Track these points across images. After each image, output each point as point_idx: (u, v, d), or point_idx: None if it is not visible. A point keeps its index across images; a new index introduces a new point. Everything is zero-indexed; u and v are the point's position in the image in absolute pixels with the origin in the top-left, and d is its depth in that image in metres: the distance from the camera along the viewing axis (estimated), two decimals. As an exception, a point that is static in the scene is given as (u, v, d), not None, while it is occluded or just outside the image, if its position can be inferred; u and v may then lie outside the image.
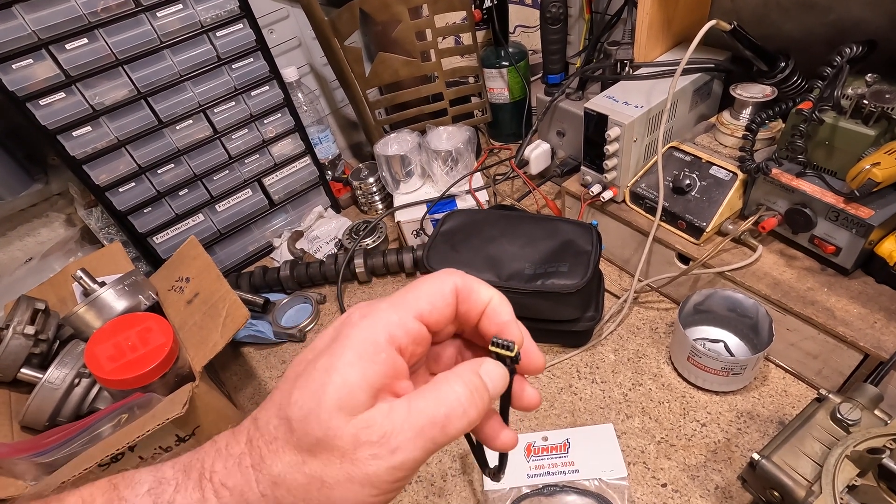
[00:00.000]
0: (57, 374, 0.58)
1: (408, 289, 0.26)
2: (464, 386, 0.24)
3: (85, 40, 0.69)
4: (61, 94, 0.70)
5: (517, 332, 0.27)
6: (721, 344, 0.68)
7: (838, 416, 0.46)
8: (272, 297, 0.88)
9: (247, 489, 0.23)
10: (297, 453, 0.23)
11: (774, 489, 0.45)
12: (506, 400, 0.28)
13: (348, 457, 0.22)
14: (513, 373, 0.27)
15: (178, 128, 0.81)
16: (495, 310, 0.27)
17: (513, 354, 0.26)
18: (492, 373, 0.25)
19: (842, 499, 0.41)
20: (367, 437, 0.22)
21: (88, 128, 0.74)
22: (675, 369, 0.67)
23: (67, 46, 0.68)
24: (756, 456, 0.46)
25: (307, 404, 0.23)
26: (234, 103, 0.85)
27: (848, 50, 0.55)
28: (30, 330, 0.60)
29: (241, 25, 0.80)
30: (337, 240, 0.99)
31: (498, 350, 0.26)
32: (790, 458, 0.45)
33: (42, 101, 0.69)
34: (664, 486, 0.57)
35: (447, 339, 0.30)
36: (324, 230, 1.01)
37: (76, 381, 0.59)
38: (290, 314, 0.88)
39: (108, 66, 0.72)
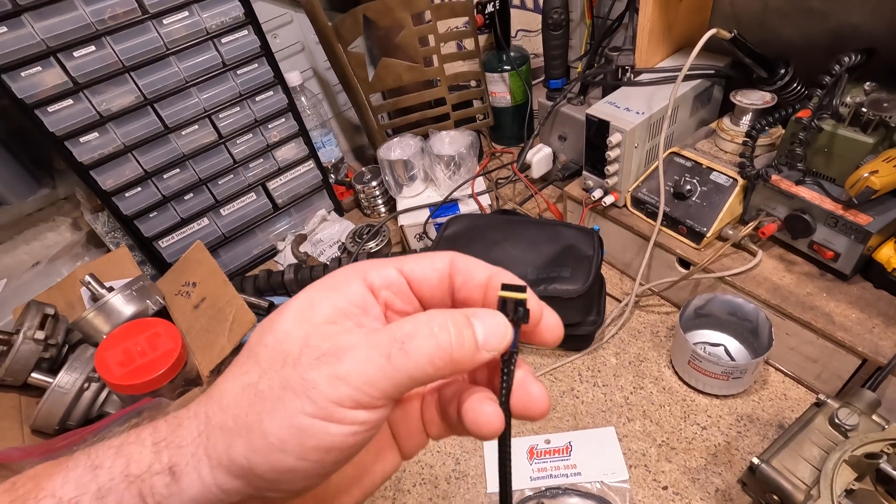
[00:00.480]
0: (67, 379, 0.59)
1: None
2: (443, 315, 0.20)
3: (93, 48, 0.70)
4: (69, 101, 0.71)
5: (531, 294, 0.23)
6: (721, 348, 0.69)
7: (837, 421, 0.47)
8: (276, 300, 0.88)
9: (184, 414, 0.20)
10: (243, 365, 0.20)
11: (773, 493, 0.45)
12: (507, 378, 0.22)
13: (290, 361, 0.19)
14: (517, 329, 0.22)
15: (183, 133, 0.82)
16: (500, 278, 0.23)
17: (522, 297, 0.21)
18: (484, 319, 0.21)
19: (840, 503, 0.42)
20: (317, 342, 0.19)
21: (95, 134, 0.74)
22: (676, 373, 0.68)
23: (75, 54, 0.69)
24: (755, 460, 0.47)
25: (267, 321, 0.21)
26: (238, 108, 0.85)
27: (847, 58, 0.56)
28: (39, 335, 0.61)
29: (245, 31, 0.81)
30: (340, 243, 0.99)
31: (505, 294, 0.22)
32: (789, 463, 0.46)
33: (50, 108, 0.70)
34: (665, 488, 0.58)
35: None
36: (327, 233, 1.01)
37: (86, 385, 0.60)
38: (294, 317, 0.88)
39: (115, 73, 0.72)
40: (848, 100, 0.56)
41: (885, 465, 0.42)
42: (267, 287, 0.91)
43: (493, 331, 0.20)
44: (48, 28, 0.66)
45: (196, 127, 0.82)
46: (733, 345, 0.69)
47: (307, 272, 0.90)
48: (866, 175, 0.52)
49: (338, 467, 0.20)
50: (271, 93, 0.88)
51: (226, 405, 0.19)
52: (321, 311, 0.21)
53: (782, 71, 0.66)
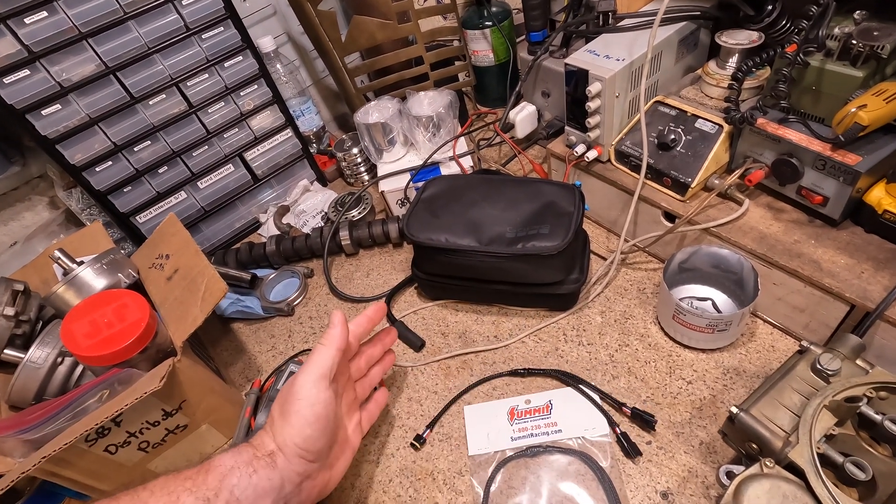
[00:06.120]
0: (39, 354, 0.58)
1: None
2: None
3: (44, 13, 0.67)
4: (25, 72, 0.68)
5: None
6: (709, 302, 0.67)
7: (818, 366, 0.45)
8: (259, 272, 0.87)
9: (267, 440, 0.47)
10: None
11: (752, 441, 0.44)
12: None
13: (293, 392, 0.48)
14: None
15: (151, 103, 0.79)
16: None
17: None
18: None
19: (818, 448, 0.40)
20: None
21: (58, 106, 0.72)
22: (662, 329, 0.67)
23: (26, 20, 0.66)
24: (734, 409, 0.45)
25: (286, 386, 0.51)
26: (207, 75, 0.82)
27: (835, -14, 0.52)
28: (9, 311, 0.60)
29: (207, -7, 0.77)
30: (323, 213, 0.98)
31: None
32: (769, 411, 0.45)
33: (6, 80, 0.67)
34: (649, 443, 0.57)
35: None
36: (310, 204, 0.99)
37: (59, 359, 0.60)
38: (277, 289, 0.87)
39: (71, 41, 0.70)
40: (836, 31, 0.52)
41: (866, 409, 0.40)
42: (249, 260, 0.89)
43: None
44: (-6, -7, 0.63)
45: (164, 96, 0.80)
46: (721, 298, 0.67)
47: (289, 243, 0.89)
48: (854, 110, 0.49)
49: (327, 431, 0.47)
50: (241, 58, 0.85)
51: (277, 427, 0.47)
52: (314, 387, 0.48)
53: (770, 7, 0.62)
